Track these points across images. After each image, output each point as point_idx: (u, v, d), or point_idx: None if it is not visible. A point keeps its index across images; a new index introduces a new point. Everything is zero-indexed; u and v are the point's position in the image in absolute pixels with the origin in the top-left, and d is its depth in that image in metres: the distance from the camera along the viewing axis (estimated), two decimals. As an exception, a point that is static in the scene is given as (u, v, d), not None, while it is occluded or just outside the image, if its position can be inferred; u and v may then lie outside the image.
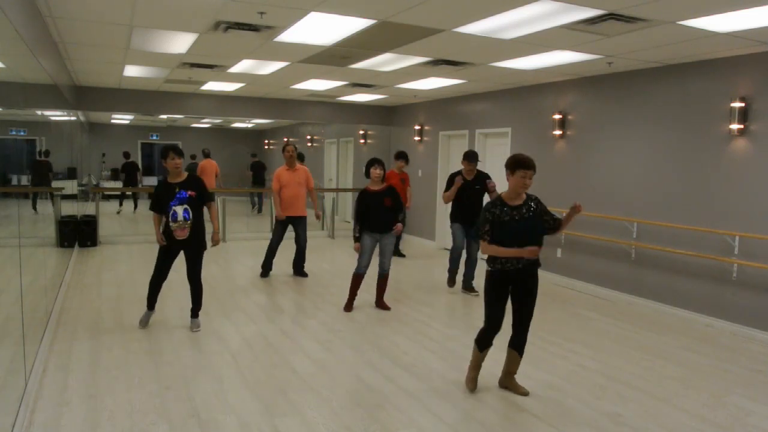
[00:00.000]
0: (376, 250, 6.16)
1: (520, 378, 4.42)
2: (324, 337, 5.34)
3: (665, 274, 6.56)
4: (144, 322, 5.46)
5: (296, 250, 7.89)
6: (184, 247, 5.29)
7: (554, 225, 3.99)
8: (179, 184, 5.22)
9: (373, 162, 6.15)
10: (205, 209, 5.40)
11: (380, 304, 6.35)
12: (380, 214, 6.00)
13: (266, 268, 7.80)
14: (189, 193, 5.20)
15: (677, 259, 6.39)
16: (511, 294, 4.04)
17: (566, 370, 4.64)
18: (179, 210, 5.14)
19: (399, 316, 6.09)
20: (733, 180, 5.88)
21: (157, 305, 6.09)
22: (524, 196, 3.98)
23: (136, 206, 15.89)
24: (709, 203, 6.10)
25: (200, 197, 5.26)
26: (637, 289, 6.87)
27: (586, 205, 7.52)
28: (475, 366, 4.20)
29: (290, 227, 7.75)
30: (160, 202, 5.24)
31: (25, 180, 6.34)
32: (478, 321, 6.27)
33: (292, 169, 7.63)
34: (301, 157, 13.73)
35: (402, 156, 9.34)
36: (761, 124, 5.65)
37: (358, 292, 6.31)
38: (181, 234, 5.17)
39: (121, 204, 15.79)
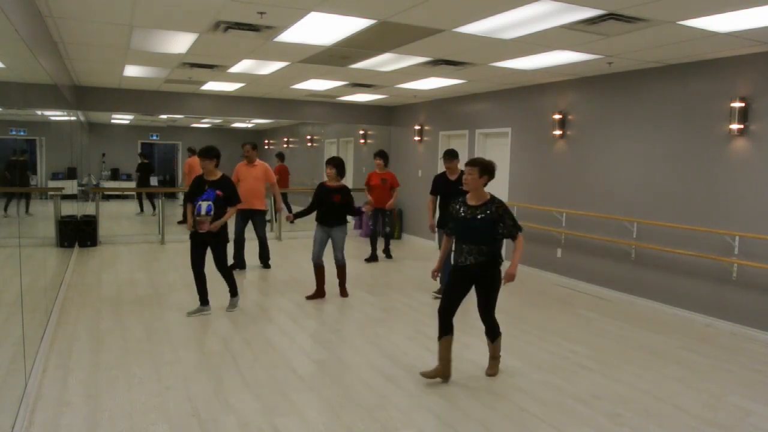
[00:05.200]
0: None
1: (519, 377, 4.43)
2: (324, 337, 5.34)
3: (665, 274, 6.56)
4: (192, 313, 5.89)
5: (258, 243, 8.32)
6: (207, 239, 5.74)
7: (508, 235, 4.22)
8: (211, 183, 5.70)
9: (327, 162, 6.64)
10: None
11: (341, 292, 6.86)
12: (329, 209, 6.51)
13: (237, 261, 8.08)
14: (217, 192, 5.67)
15: (677, 259, 6.39)
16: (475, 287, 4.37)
17: (566, 370, 4.64)
18: (203, 205, 5.64)
19: (399, 317, 6.09)
20: (733, 180, 5.88)
21: (157, 305, 6.09)
22: (486, 197, 4.23)
23: (142, 208, 15.32)
24: (709, 203, 6.10)
25: (226, 198, 5.71)
26: (637, 289, 6.87)
27: (587, 205, 7.56)
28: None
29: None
30: (192, 195, 5.76)
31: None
32: (478, 321, 6.28)
33: (251, 165, 8.02)
34: (281, 157, 13.74)
35: (378, 155, 9.32)
36: (761, 124, 5.65)
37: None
38: (201, 228, 5.64)
39: (141, 207, 15.32)
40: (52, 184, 8.41)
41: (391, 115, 12.52)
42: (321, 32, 5.61)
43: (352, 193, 6.68)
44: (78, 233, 9.53)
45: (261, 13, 4.89)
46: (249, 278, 7.76)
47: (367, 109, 12.33)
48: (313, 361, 4.69)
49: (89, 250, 9.43)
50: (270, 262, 8.43)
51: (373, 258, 9.18)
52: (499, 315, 6.50)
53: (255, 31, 5.58)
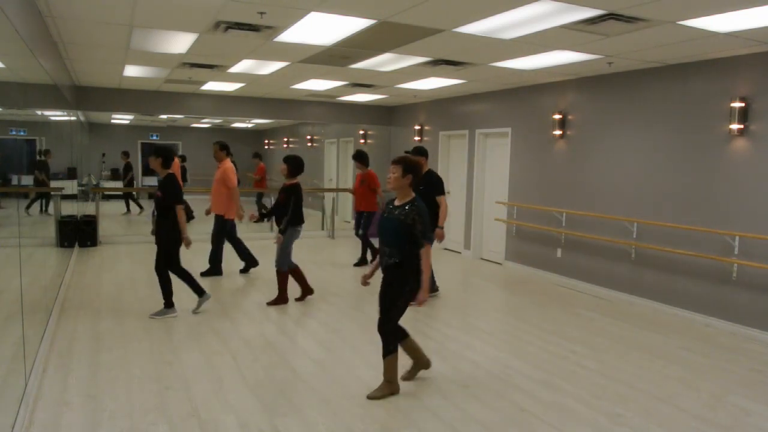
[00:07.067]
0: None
1: (519, 377, 4.43)
2: (324, 337, 5.34)
3: (665, 274, 6.56)
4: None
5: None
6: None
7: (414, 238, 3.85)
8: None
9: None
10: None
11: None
12: (276, 209, 6.29)
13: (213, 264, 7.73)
14: (157, 193, 5.58)
15: (677, 259, 6.39)
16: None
17: (566, 370, 4.64)
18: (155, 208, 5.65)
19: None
20: (733, 180, 5.89)
21: (158, 305, 6.08)
22: (408, 197, 3.93)
23: (128, 208, 14.88)
24: (709, 203, 6.10)
25: (164, 198, 5.52)
26: (637, 289, 6.87)
27: (587, 205, 7.56)
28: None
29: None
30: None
31: (25, 180, 6.34)
32: (478, 321, 6.26)
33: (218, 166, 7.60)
34: (260, 156, 13.29)
35: (353, 157, 8.68)
36: (761, 124, 5.65)
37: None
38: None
39: (127, 207, 14.89)
40: (52, 184, 8.40)
41: (391, 115, 12.53)
42: (321, 32, 5.61)
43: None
44: (78, 233, 9.53)
45: (261, 13, 4.90)
46: (247, 278, 7.75)
47: (367, 109, 12.34)
48: (313, 361, 4.69)
49: (89, 250, 9.43)
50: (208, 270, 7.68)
51: (362, 261, 8.78)
52: (499, 315, 6.55)
53: (255, 31, 5.58)
